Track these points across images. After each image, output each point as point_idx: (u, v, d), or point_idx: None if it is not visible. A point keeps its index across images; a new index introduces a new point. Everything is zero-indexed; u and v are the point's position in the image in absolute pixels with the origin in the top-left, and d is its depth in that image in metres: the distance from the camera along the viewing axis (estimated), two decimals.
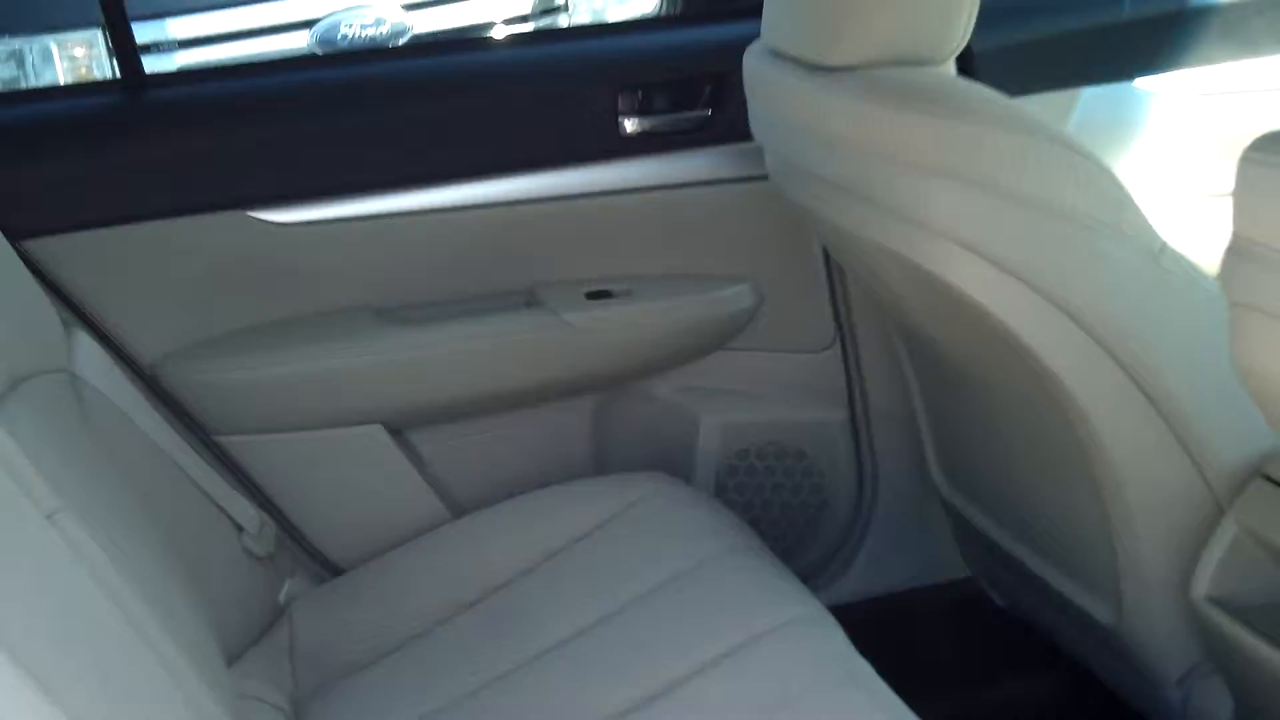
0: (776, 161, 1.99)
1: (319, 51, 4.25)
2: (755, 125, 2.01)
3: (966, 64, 1.91)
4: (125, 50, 2.07)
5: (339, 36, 4.28)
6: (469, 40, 4.22)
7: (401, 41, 4.34)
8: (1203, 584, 1.71)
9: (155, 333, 2.06)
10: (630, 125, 2.24)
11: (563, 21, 4.67)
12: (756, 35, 2.03)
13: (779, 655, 1.69)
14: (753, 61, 1.97)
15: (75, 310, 1.99)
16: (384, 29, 4.33)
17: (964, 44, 1.76)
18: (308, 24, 4.27)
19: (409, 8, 4.39)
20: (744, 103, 2.04)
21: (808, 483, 2.37)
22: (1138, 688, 1.94)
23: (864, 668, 1.67)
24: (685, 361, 2.31)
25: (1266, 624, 1.65)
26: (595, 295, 2.23)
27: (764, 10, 1.91)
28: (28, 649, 1.02)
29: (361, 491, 2.19)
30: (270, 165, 2.10)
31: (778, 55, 1.87)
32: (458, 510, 2.21)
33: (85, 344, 1.88)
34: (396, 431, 2.19)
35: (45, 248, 1.96)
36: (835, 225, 1.86)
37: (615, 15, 4.74)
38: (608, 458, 2.33)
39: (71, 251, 1.99)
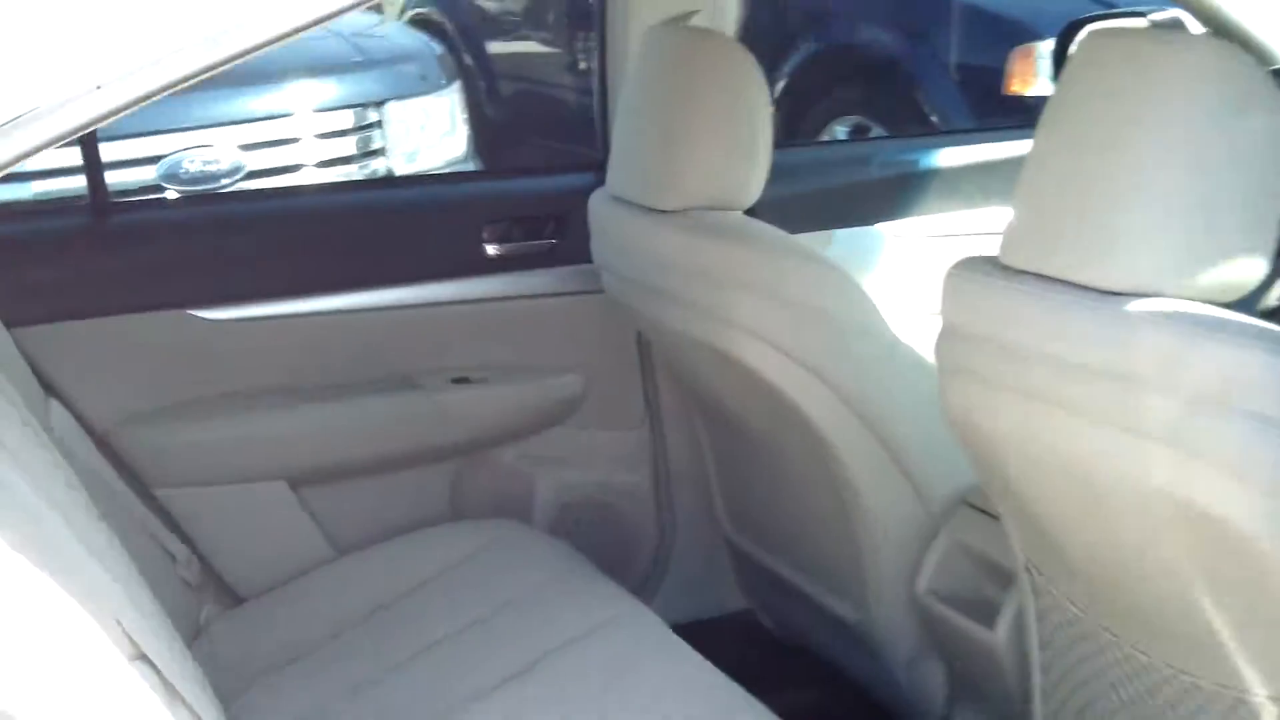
0: (615, 280, 2.48)
1: (163, 184, 4.47)
2: (597, 252, 2.50)
3: (753, 210, 2.36)
4: (95, 182, 2.52)
5: (181, 171, 4.51)
6: (374, 180, 4.67)
7: (237, 176, 4.61)
8: (924, 582, 2.23)
9: (110, 404, 2.45)
10: (491, 249, 2.72)
11: (380, 164, 5.01)
12: (586, 184, 2.56)
13: (613, 638, 2.14)
14: (598, 204, 2.48)
15: (48, 384, 2.36)
16: (222, 165, 4.57)
17: (758, 196, 2.28)
18: (154, 159, 4.49)
19: (244, 148, 4.65)
20: (581, 234, 2.54)
21: (618, 533, 2.82)
22: (876, 674, 2.44)
23: (681, 645, 2.12)
24: (527, 435, 2.77)
25: (970, 610, 2.17)
26: (459, 380, 2.69)
27: (609, 167, 2.43)
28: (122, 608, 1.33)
29: (265, 535, 2.57)
30: (206, 274, 2.54)
31: (619, 200, 2.38)
32: (344, 551, 2.60)
33: (59, 411, 2.27)
34: (296, 487, 2.59)
35: (29, 335, 2.33)
36: (662, 325, 2.37)
37: (427, 159, 5.09)
38: (463, 511, 2.75)
39: (49, 338, 2.38)
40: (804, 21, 5.88)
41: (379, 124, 5.05)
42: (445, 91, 5.28)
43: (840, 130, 5.49)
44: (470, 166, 5.29)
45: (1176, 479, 1.49)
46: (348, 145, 4.97)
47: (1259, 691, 1.63)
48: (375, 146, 5.05)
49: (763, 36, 2.26)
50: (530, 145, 6.61)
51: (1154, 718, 1.81)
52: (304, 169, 4.86)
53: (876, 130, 5.38)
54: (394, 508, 2.70)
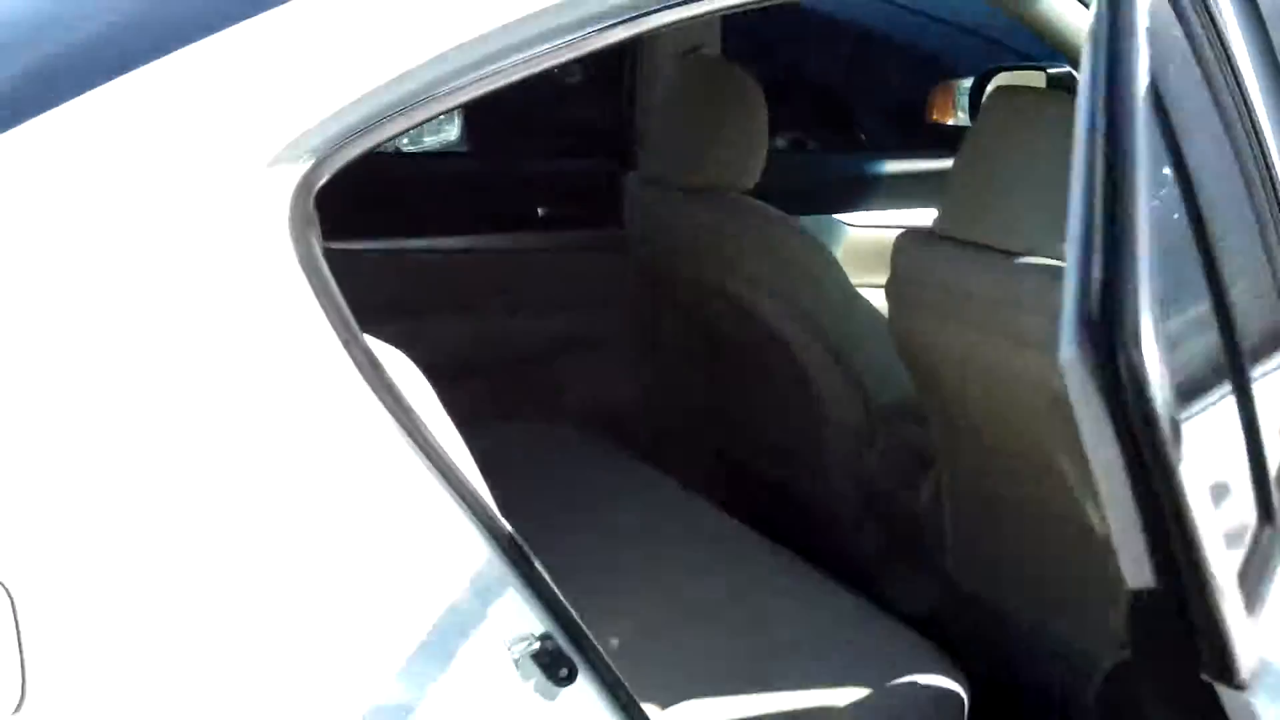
0: (644, 243, 3.22)
1: None
2: (630, 218, 3.25)
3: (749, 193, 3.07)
4: None
5: None
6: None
7: None
8: (869, 468, 2.96)
9: None
10: (540, 211, 3.52)
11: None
12: (611, 168, 3.36)
13: (663, 506, 2.85)
14: (633, 184, 3.24)
15: None
16: None
17: (755, 182, 3.01)
18: None
19: None
20: (611, 205, 3.30)
21: (625, 441, 3.36)
22: (828, 533, 3.06)
23: (703, 503, 2.84)
24: (561, 358, 3.51)
25: (901, 483, 2.91)
26: (513, 310, 3.44)
27: (644, 157, 3.21)
28: None
29: None
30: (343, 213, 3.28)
31: (649, 180, 3.15)
32: None
33: None
34: None
35: None
36: (682, 274, 3.12)
37: (427, 141, 5.88)
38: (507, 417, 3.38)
39: None
40: (753, 49, 6.54)
41: None
42: None
43: (780, 143, 6.17)
44: (462, 149, 6.00)
45: (1046, 373, 2.23)
46: None
47: None
48: None
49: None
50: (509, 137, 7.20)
51: (1015, 538, 2.59)
52: None
53: (813, 145, 6.08)
54: (451, 407, 3.39)
